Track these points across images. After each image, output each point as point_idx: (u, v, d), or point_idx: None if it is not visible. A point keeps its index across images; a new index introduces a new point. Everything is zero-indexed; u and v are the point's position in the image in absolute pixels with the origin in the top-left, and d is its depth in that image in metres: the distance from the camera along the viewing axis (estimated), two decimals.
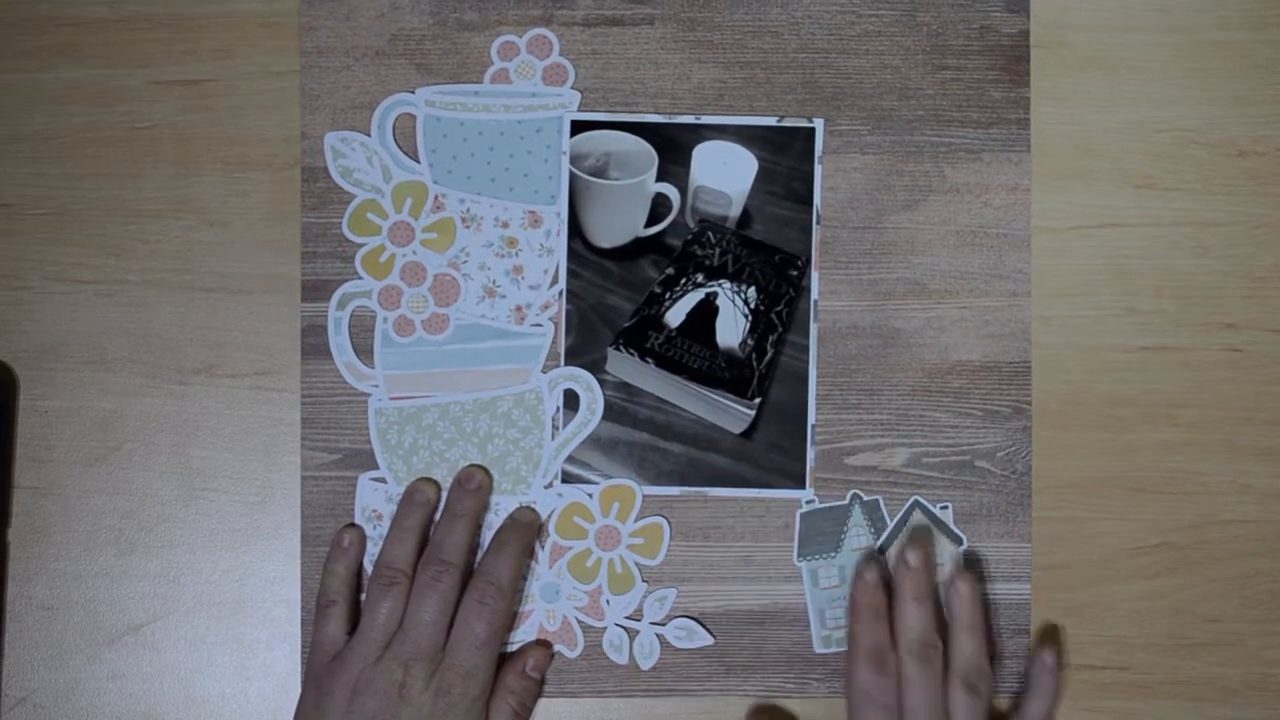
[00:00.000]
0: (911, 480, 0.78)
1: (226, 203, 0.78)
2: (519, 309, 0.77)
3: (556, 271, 0.77)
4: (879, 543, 0.78)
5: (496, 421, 0.77)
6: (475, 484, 0.75)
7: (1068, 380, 0.78)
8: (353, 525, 0.77)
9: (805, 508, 0.78)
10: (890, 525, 0.78)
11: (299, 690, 0.77)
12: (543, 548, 0.77)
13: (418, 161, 0.77)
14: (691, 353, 0.77)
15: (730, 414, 0.77)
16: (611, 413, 0.77)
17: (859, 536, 0.78)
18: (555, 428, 0.77)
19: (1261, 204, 0.79)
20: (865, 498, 0.78)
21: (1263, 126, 0.79)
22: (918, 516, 0.78)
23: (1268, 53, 0.79)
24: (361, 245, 0.77)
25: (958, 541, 0.78)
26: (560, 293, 0.77)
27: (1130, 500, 0.78)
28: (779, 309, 0.77)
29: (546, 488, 0.77)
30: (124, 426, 0.77)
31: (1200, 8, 0.79)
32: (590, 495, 0.77)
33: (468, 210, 0.77)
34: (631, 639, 0.78)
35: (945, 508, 0.78)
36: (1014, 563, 0.78)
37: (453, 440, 0.77)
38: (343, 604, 0.74)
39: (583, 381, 0.77)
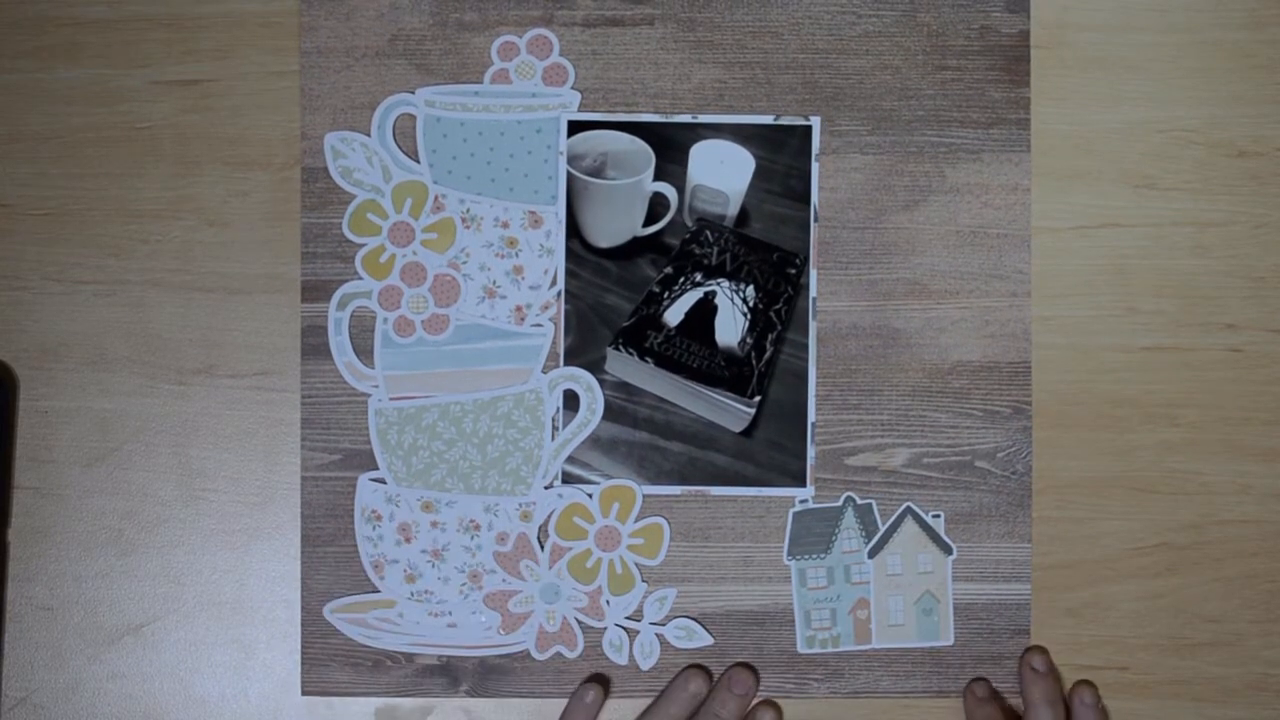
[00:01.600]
0: (911, 481, 0.78)
1: (226, 203, 0.78)
2: (519, 309, 0.77)
3: (556, 272, 0.77)
4: (868, 547, 0.78)
5: (496, 422, 0.77)
6: (744, 689, 0.76)
7: (1068, 380, 0.78)
8: (597, 681, 0.77)
9: (798, 506, 0.78)
10: (880, 530, 0.78)
11: (298, 690, 0.77)
12: (543, 549, 0.77)
13: (418, 161, 0.78)
14: (691, 351, 0.77)
15: (730, 412, 0.77)
16: (611, 412, 0.77)
17: (850, 539, 0.78)
18: (555, 428, 0.77)
19: (1261, 204, 0.79)
20: (859, 500, 0.78)
21: (1263, 126, 0.79)
22: (909, 524, 0.78)
23: (1268, 53, 0.79)
24: (361, 245, 0.77)
25: (948, 550, 0.78)
26: (559, 293, 0.78)
27: (1130, 500, 0.78)
28: (778, 307, 0.77)
29: (546, 488, 0.77)
30: (124, 426, 0.78)
31: (1200, 8, 0.79)
32: (590, 496, 0.77)
33: (468, 210, 0.77)
34: (631, 639, 0.78)
35: (937, 516, 0.78)
36: (1014, 563, 0.78)
37: (453, 441, 0.77)
38: None
39: (583, 381, 0.77)
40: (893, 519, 0.78)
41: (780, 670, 0.78)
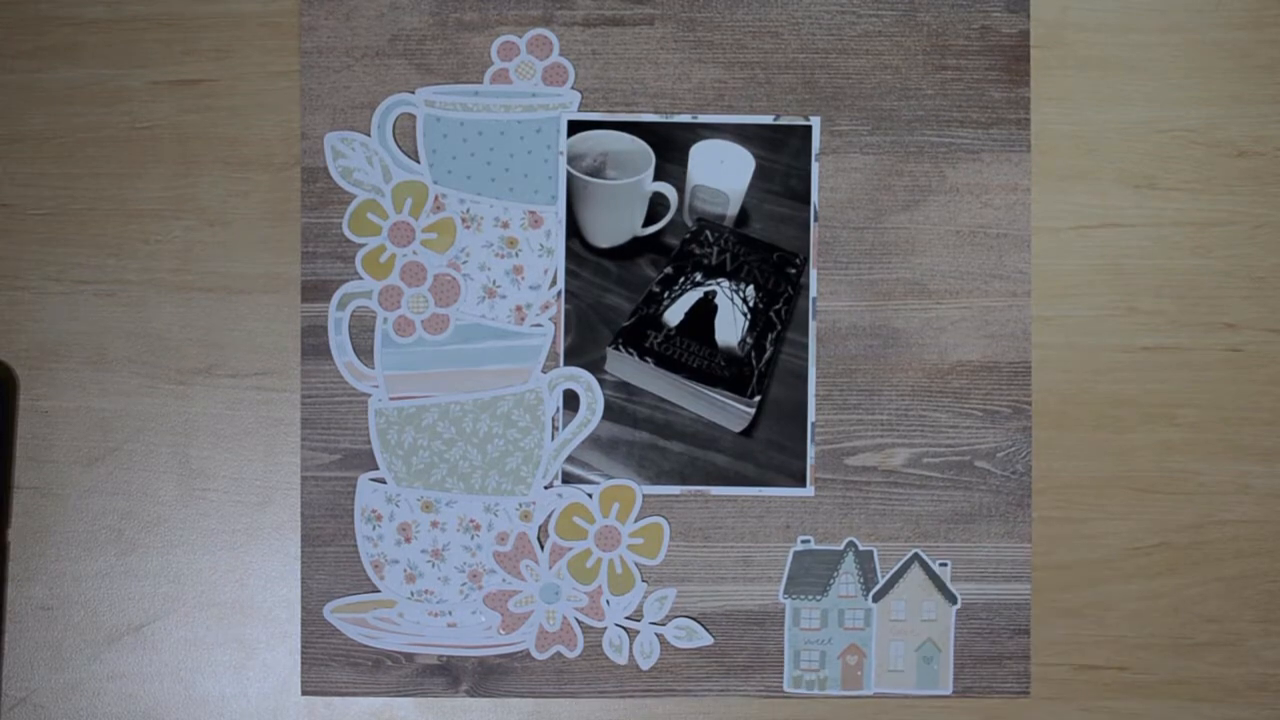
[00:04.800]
0: (911, 481, 0.78)
1: (226, 203, 0.78)
2: (519, 309, 0.77)
3: (556, 272, 0.77)
4: (871, 593, 0.78)
5: (496, 421, 0.77)
6: None
7: (1068, 380, 0.78)
8: None
9: (800, 546, 0.78)
10: (884, 577, 0.78)
11: (298, 690, 0.77)
12: (543, 549, 0.77)
13: (418, 161, 0.78)
14: (691, 351, 0.77)
15: (730, 412, 0.77)
16: (611, 412, 0.77)
17: (848, 584, 0.78)
18: (555, 428, 0.77)
19: (1261, 204, 0.79)
20: (861, 546, 0.78)
21: (1263, 126, 0.79)
22: (915, 570, 0.78)
23: (1268, 53, 0.79)
24: (361, 245, 0.77)
25: (952, 600, 0.78)
26: (559, 293, 0.78)
27: (1130, 500, 0.78)
28: (778, 307, 0.77)
29: (546, 488, 0.77)
30: (124, 426, 0.78)
31: (1200, 8, 0.79)
32: (590, 495, 0.77)
33: (468, 210, 0.77)
34: (631, 639, 0.78)
35: (944, 565, 0.78)
36: (1014, 563, 0.78)
37: (453, 440, 0.77)
38: None
39: (583, 381, 0.77)
40: (900, 564, 0.78)
41: (779, 669, 0.78)
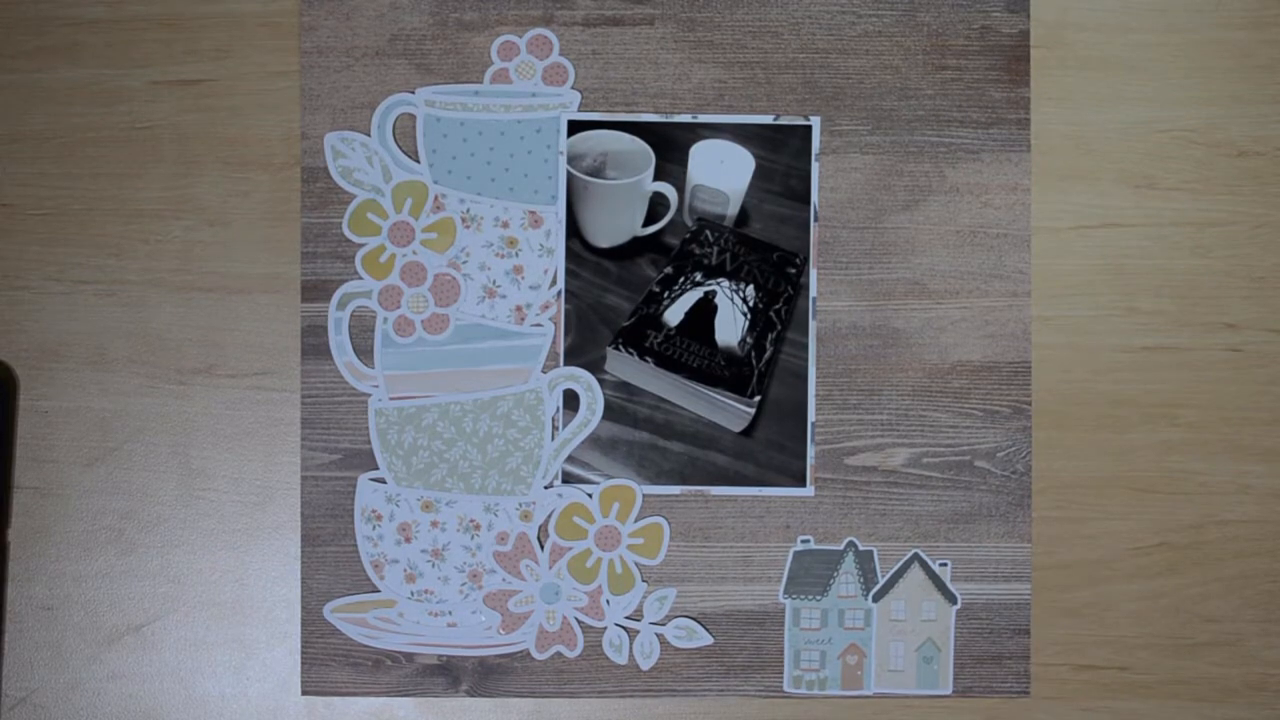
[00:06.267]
0: (912, 480, 0.78)
1: (226, 203, 0.78)
2: (519, 309, 0.77)
3: (556, 272, 0.77)
4: (874, 590, 0.78)
5: (496, 421, 0.77)
6: None
7: (1068, 380, 0.78)
8: None
9: (800, 546, 0.78)
10: (884, 578, 0.78)
11: (298, 690, 0.77)
12: (543, 549, 0.77)
13: (418, 161, 0.78)
14: (691, 351, 0.77)
15: (730, 412, 0.77)
16: (611, 412, 0.77)
17: (848, 584, 0.78)
18: (555, 428, 0.77)
19: (1261, 204, 0.79)
20: (861, 546, 0.78)
21: (1263, 126, 0.79)
22: (915, 571, 0.78)
23: (1268, 53, 0.79)
24: (361, 245, 0.77)
25: (952, 600, 0.78)
26: (559, 293, 0.78)
27: (1130, 500, 0.78)
28: (778, 307, 0.77)
29: (546, 488, 0.77)
30: (124, 426, 0.78)
31: (1200, 8, 0.79)
32: (590, 495, 0.77)
33: (468, 210, 0.77)
34: (631, 639, 0.78)
35: (944, 565, 0.78)
36: (1014, 563, 0.78)
37: (453, 440, 0.77)
38: None
39: (583, 381, 0.77)
40: (899, 564, 0.78)
41: (778, 669, 0.78)
